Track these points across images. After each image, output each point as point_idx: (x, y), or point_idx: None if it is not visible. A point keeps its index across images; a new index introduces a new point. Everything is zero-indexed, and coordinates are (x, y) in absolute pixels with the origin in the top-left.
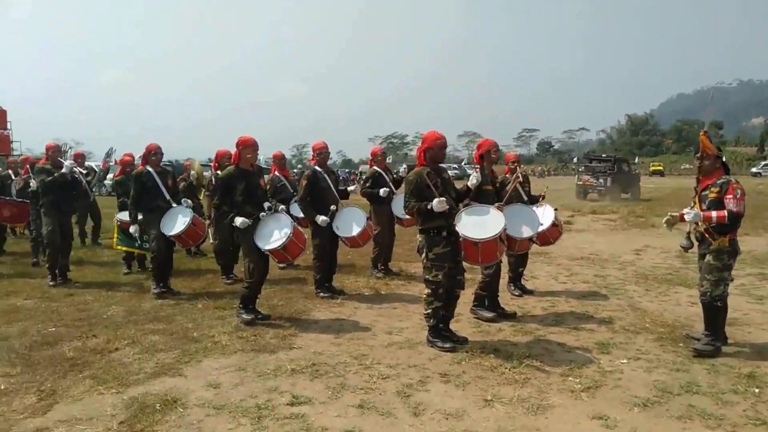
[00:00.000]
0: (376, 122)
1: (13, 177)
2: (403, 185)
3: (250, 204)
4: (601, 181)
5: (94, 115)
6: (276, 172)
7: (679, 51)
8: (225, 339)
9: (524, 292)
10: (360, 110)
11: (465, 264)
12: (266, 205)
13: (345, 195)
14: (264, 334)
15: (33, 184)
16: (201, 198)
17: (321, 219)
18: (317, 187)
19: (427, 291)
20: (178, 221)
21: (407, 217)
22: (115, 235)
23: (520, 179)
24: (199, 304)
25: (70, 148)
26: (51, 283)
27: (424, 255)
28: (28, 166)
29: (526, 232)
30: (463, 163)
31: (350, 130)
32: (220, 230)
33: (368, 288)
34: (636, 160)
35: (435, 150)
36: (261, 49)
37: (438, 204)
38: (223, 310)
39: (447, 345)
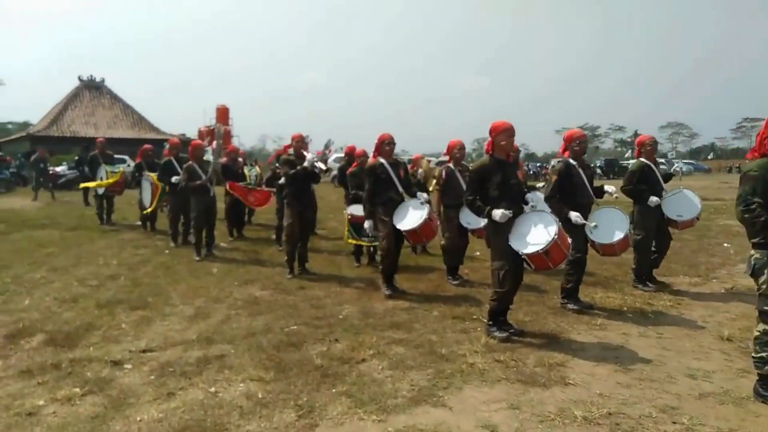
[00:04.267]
0: (556, 108)
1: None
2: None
3: (506, 199)
4: None
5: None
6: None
7: None
8: (480, 361)
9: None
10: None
11: None
12: (538, 197)
13: (600, 194)
14: (524, 358)
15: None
16: (430, 193)
17: (574, 215)
18: (569, 182)
19: (763, 327)
20: (411, 215)
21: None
22: (347, 229)
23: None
24: (434, 311)
25: (310, 140)
26: (288, 276)
27: (763, 279)
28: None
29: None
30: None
31: (527, 118)
32: (449, 227)
33: (627, 306)
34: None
35: None
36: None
37: None
38: (463, 321)
39: None
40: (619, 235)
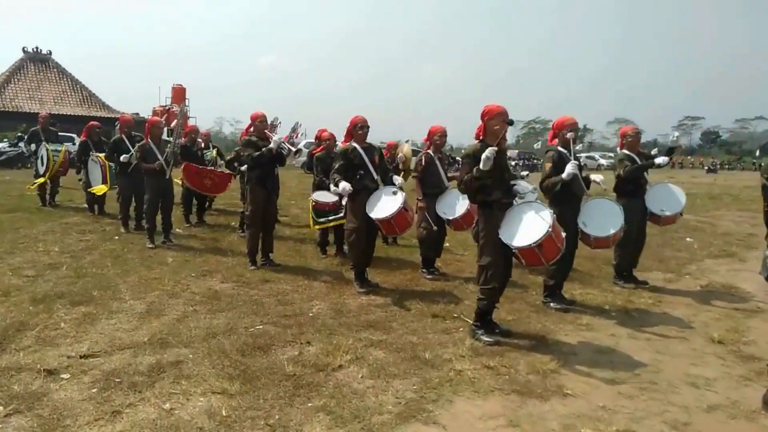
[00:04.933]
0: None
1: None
2: None
3: (499, 188)
4: None
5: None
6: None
7: None
8: (469, 368)
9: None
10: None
11: None
12: (525, 186)
13: (587, 184)
14: (515, 364)
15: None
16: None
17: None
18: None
19: None
20: (384, 203)
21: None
22: (311, 216)
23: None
24: (412, 308)
25: (279, 123)
26: (251, 268)
27: None
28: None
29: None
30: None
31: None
32: (427, 217)
33: (609, 304)
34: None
35: None
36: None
37: None
38: (444, 321)
39: None
40: (614, 228)
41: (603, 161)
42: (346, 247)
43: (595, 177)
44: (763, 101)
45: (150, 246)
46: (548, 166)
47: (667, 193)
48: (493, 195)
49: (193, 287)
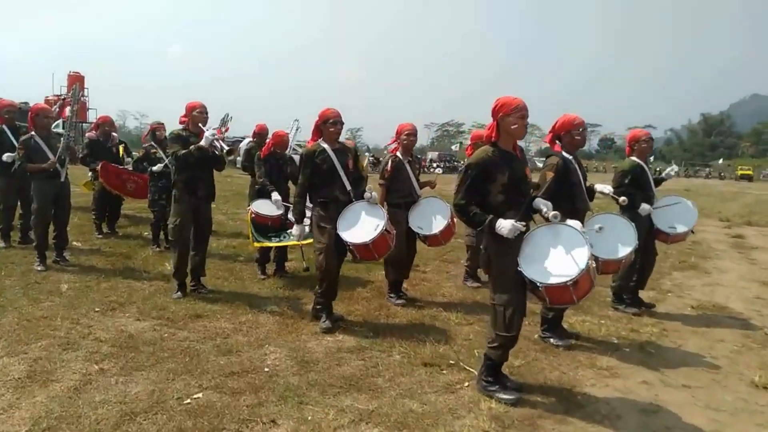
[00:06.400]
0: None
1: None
2: None
3: (515, 205)
4: None
5: (156, 87)
6: None
7: (753, 49)
8: None
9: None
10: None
11: None
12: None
13: (591, 196)
14: None
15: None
16: None
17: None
18: (567, 183)
19: None
20: (364, 224)
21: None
22: (250, 231)
23: None
24: (393, 352)
25: (230, 117)
26: (176, 296)
27: None
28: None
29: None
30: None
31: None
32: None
33: (613, 334)
34: (720, 162)
35: None
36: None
37: None
38: (440, 371)
39: None
40: (626, 250)
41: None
42: (287, 265)
43: (602, 187)
44: (652, 110)
45: (39, 269)
46: (549, 175)
47: (681, 210)
48: (507, 216)
49: (97, 330)
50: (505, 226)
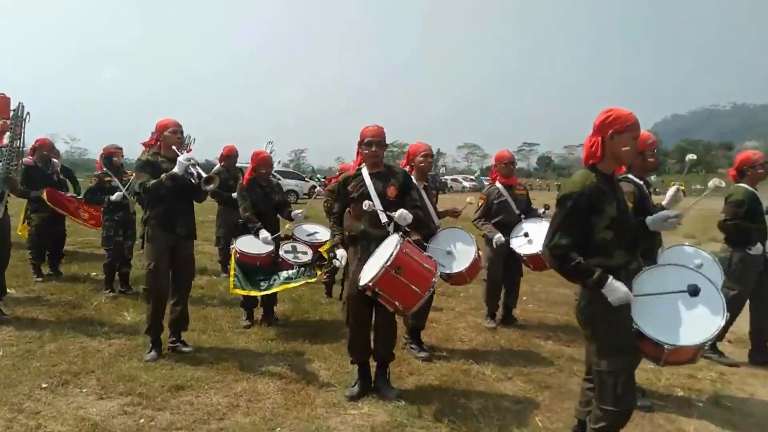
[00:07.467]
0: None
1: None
2: None
3: (624, 245)
4: None
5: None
6: None
7: (674, 71)
8: None
9: None
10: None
11: None
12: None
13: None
14: None
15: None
16: None
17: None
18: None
19: None
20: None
21: None
22: (232, 273)
23: None
24: (442, 427)
25: (193, 140)
26: (148, 357)
27: None
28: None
29: None
30: (476, 176)
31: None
32: None
33: (675, 385)
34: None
35: None
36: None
37: None
38: None
39: None
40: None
41: (466, 183)
42: (277, 310)
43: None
44: (585, 130)
45: None
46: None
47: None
48: (615, 258)
49: (47, 419)
50: (618, 289)
